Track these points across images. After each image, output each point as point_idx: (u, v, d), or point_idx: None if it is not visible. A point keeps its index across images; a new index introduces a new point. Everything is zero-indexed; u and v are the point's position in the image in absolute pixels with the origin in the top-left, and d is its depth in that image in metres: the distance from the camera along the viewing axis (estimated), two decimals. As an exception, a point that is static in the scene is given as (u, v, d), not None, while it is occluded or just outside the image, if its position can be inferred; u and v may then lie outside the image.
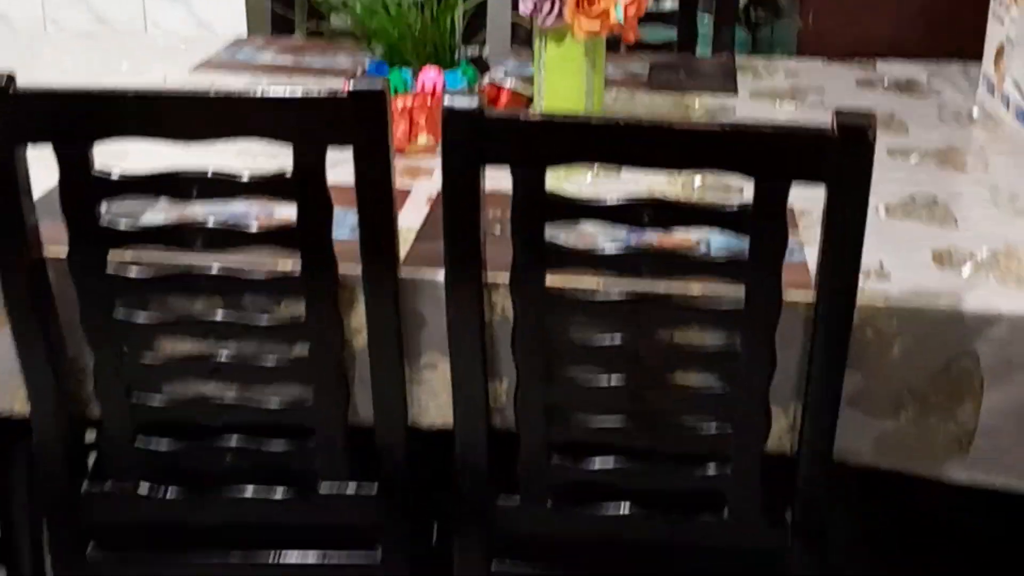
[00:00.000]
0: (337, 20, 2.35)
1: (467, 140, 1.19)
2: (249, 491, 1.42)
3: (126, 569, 1.47)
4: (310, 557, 1.45)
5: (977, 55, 2.02)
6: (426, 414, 1.42)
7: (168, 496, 1.42)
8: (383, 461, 1.41)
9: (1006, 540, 1.72)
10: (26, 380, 1.37)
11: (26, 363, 1.36)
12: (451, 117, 1.19)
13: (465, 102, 1.19)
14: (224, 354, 1.35)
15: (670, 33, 2.32)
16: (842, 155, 1.14)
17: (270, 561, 1.45)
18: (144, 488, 1.41)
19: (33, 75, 1.26)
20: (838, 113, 1.14)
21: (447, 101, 1.19)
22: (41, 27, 2.95)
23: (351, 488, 1.41)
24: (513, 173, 1.20)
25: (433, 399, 1.42)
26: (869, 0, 2.36)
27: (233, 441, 1.40)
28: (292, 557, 1.45)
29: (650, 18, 2.19)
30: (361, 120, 1.21)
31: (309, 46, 2.24)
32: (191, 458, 1.41)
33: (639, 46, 2.23)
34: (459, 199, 1.22)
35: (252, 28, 2.77)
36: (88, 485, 1.42)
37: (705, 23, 2.44)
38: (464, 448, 1.38)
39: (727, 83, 2.06)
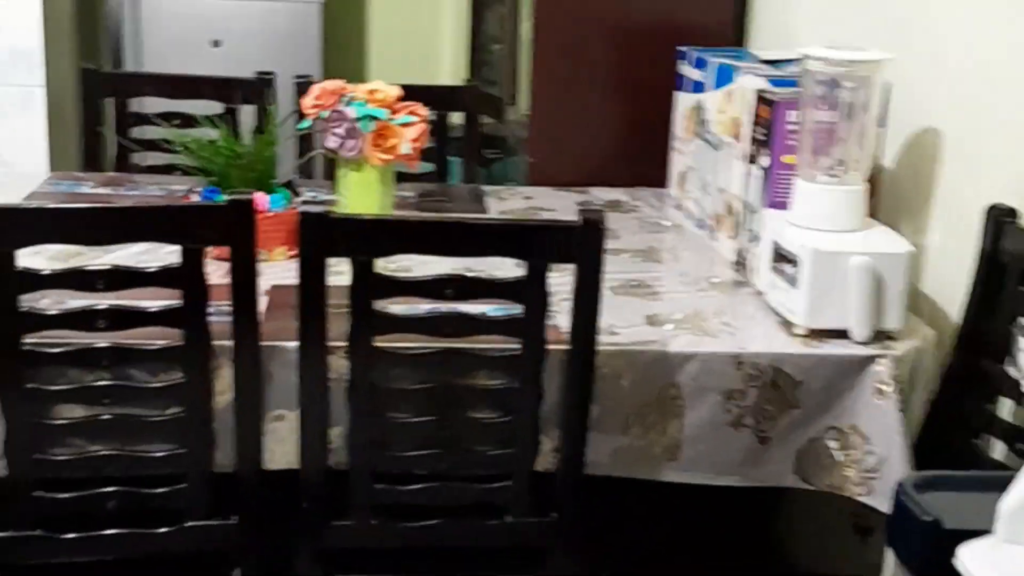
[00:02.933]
0: (138, 158, 2.74)
1: (317, 237, 1.63)
2: (130, 529, 1.74)
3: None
4: (182, 581, 1.79)
5: (662, 182, 2.64)
6: (274, 458, 1.80)
7: (63, 538, 1.72)
8: (242, 498, 1.77)
9: (708, 522, 2.25)
10: (-56, 444, 1.66)
11: (-55, 430, 1.65)
12: (305, 219, 1.62)
13: (316, 209, 1.63)
14: (112, 416, 1.70)
15: (429, 166, 2.83)
16: (585, 238, 1.66)
17: (150, 586, 1.77)
18: (41, 533, 1.71)
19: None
20: (582, 209, 1.66)
21: (302, 208, 1.63)
22: None
23: (216, 521, 1.77)
24: (351, 260, 1.65)
25: (280, 445, 1.80)
26: (581, 140, 2.94)
27: (116, 488, 1.73)
28: (167, 582, 1.78)
29: (411, 154, 2.69)
30: (236, 223, 1.63)
31: (125, 179, 2.59)
32: (81, 505, 1.72)
33: (403, 176, 2.73)
34: (311, 282, 1.65)
35: (54, 167, 3.06)
36: (-9, 533, 1.71)
37: (453, 162, 2.97)
38: (307, 483, 1.77)
39: (479, 205, 2.58)
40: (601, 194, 2.74)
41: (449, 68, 4.40)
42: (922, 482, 1.26)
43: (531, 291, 1.69)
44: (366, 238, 1.66)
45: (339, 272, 1.66)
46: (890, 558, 1.27)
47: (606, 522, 1.97)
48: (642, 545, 2.20)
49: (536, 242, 1.67)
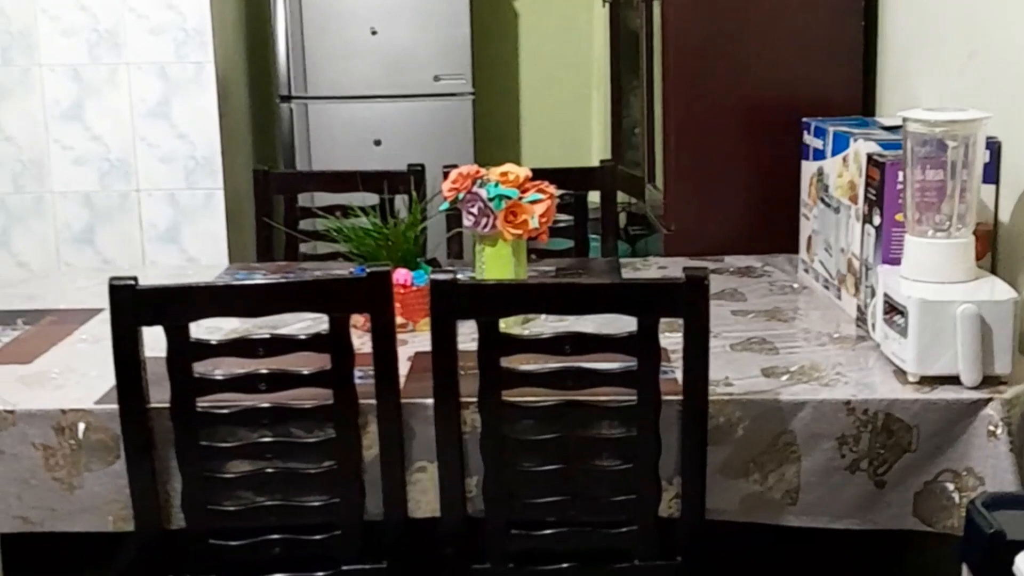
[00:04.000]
0: (306, 247, 3.01)
1: (446, 300, 1.82)
2: (292, 574, 1.94)
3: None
4: (338, 621, 1.97)
5: (795, 248, 2.74)
6: (419, 507, 1.97)
7: (234, 581, 1.93)
8: (390, 544, 1.95)
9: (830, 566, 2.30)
10: (133, 500, 1.90)
11: (135, 487, 1.89)
12: (436, 285, 1.82)
13: (444, 276, 1.82)
14: (275, 469, 1.91)
15: (569, 243, 3.01)
16: (690, 296, 1.79)
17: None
18: (215, 577, 1.93)
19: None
20: (685, 269, 1.80)
21: (432, 276, 1.82)
22: (55, 266, 3.53)
23: (368, 565, 1.95)
24: (478, 322, 1.83)
25: (423, 495, 1.97)
26: (715, 211, 3.07)
27: (280, 536, 1.93)
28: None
29: (553, 233, 2.87)
30: (376, 292, 1.83)
31: (292, 266, 2.87)
32: (250, 552, 1.93)
33: (545, 254, 2.92)
34: (443, 342, 1.84)
35: (232, 259, 3.38)
36: (173, 578, 1.94)
37: (595, 241, 3.14)
38: (448, 530, 1.94)
39: (615, 276, 2.73)
40: (735, 261, 2.86)
41: (597, 153, 4.61)
42: (991, 500, 1.33)
43: (643, 345, 1.83)
44: (489, 301, 1.84)
45: (474, 338, 1.85)
46: (964, 572, 1.34)
47: (732, 566, 2.05)
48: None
49: (644, 299, 1.82)
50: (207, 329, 1.91)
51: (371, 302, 1.84)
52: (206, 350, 1.85)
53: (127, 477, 1.89)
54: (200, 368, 1.87)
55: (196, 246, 3.48)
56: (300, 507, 1.93)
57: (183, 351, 1.84)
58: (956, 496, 1.92)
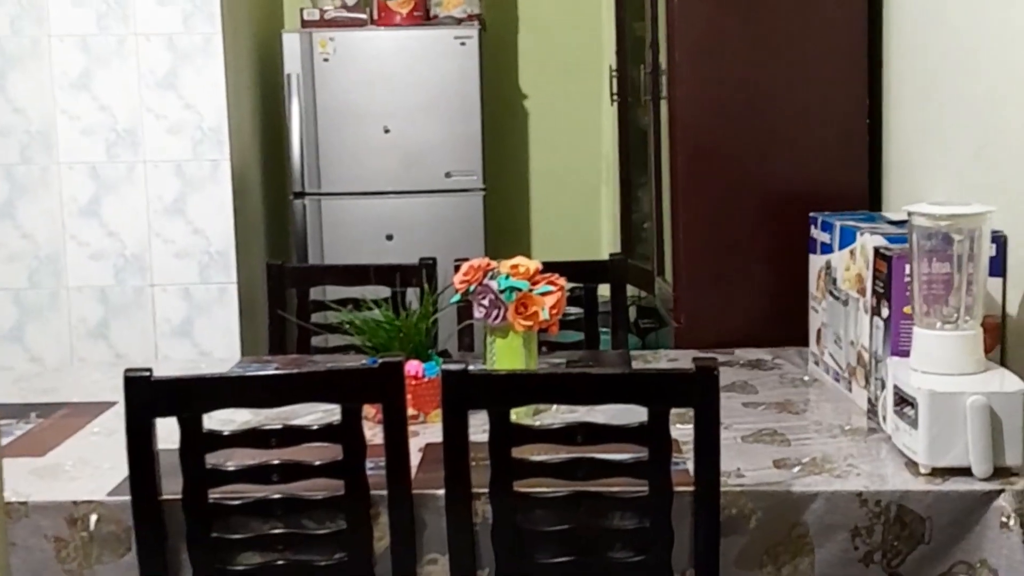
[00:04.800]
0: (319, 340, 3.03)
1: (458, 390, 1.83)
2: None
3: None
4: None
5: (805, 340, 2.75)
6: (431, 601, 1.97)
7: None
8: (402, 640, 1.94)
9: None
10: (144, 594, 1.89)
11: (144, 579, 1.89)
12: (447, 376, 1.83)
13: (456, 366, 1.84)
14: (286, 561, 1.90)
15: (579, 336, 3.03)
16: (700, 385, 1.81)
17: None
18: (224, 671, 1.91)
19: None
20: (695, 359, 1.81)
21: (444, 366, 1.84)
22: (69, 361, 3.56)
23: (378, 661, 1.93)
24: (489, 412, 1.84)
25: (435, 588, 1.97)
26: (725, 304, 3.09)
27: (290, 630, 1.92)
28: None
29: (563, 326, 2.89)
30: (388, 383, 1.85)
31: (305, 359, 2.89)
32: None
33: (556, 347, 2.94)
34: (455, 432, 1.84)
35: (245, 352, 3.41)
36: (181, 671, 1.92)
37: (605, 334, 3.16)
38: (460, 621, 1.93)
39: (625, 368, 2.74)
40: (745, 354, 2.87)
41: (607, 247, 4.65)
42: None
43: (654, 435, 1.84)
44: (500, 390, 1.85)
45: (484, 429, 1.86)
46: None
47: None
48: None
49: (654, 389, 1.83)
50: (220, 421, 1.92)
51: (383, 392, 1.86)
52: (219, 441, 1.86)
53: (138, 569, 1.89)
54: (212, 459, 1.88)
55: (209, 340, 3.52)
56: (310, 602, 1.92)
57: (196, 442, 1.85)
58: (971, 589, 1.90)
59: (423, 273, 2.91)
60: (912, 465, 2.00)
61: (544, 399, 1.84)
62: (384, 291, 2.91)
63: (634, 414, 1.85)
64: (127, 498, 1.88)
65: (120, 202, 3.67)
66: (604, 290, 3.10)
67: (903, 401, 2.03)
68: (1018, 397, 1.93)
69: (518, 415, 1.94)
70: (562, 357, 2.83)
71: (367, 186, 4.21)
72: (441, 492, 1.90)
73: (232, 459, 1.91)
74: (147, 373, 1.84)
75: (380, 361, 1.86)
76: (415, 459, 2.07)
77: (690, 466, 1.92)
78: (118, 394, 1.86)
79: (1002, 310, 2.26)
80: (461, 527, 1.89)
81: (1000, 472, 1.92)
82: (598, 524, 1.90)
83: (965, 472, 1.94)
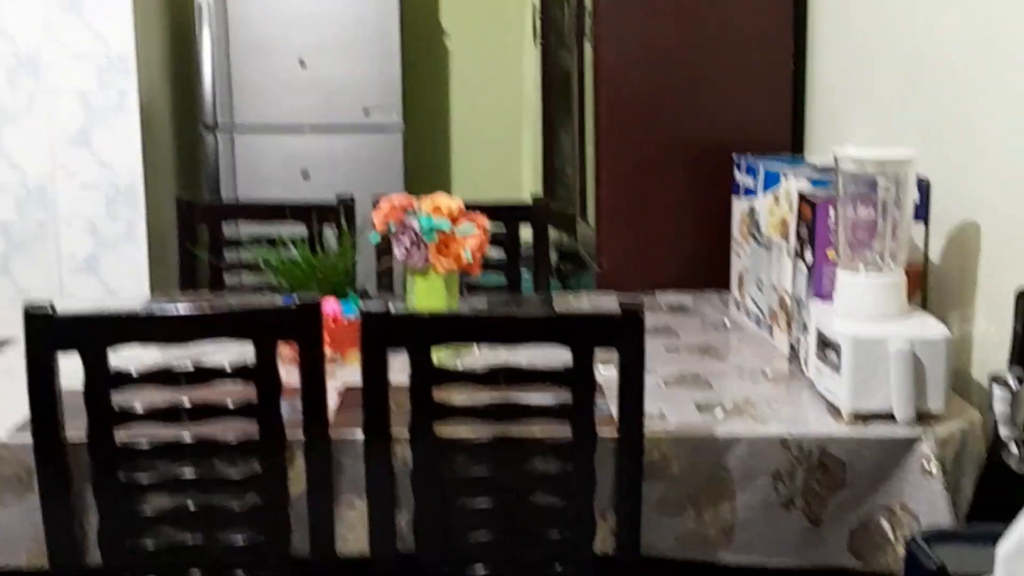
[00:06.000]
0: (232, 278, 2.94)
1: (378, 330, 1.77)
2: (213, 614, 1.87)
3: None
4: (261, 664, 1.89)
5: (727, 284, 2.74)
6: (347, 544, 1.91)
7: (150, 622, 1.85)
8: (316, 583, 1.89)
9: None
10: (47, 536, 1.81)
11: (49, 523, 1.80)
12: (367, 316, 1.77)
13: (376, 307, 1.78)
14: (197, 505, 1.84)
15: (501, 279, 2.98)
16: (626, 328, 1.77)
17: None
18: (131, 618, 1.85)
19: None
20: (620, 301, 1.78)
21: (364, 306, 1.77)
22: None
23: (293, 605, 1.88)
24: (410, 353, 1.78)
25: (352, 532, 1.91)
26: (647, 248, 3.07)
27: (203, 574, 1.86)
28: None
29: (484, 268, 2.84)
30: (304, 322, 1.78)
31: (217, 297, 2.80)
32: (168, 591, 1.86)
33: (476, 289, 2.89)
34: (374, 375, 1.79)
35: (155, 291, 3.30)
36: (87, 619, 1.85)
37: (527, 277, 3.11)
38: (377, 567, 1.88)
39: (548, 310, 2.70)
40: (667, 298, 2.85)
41: (528, 189, 4.60)
42: (931, 536, 1.32)
43: (578, 378, 1.80)
44: (421, 331, 1.80)
45: (404, 371, 1.80)
46: (906, 608, 1.32)
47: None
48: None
49: (579, 331, 1.79)
50: (127, 361, 1.83)
51: (300, 331, 1.79)
52: (125, 380, 1.78)
53: (41, 512, 1.81)
54: (119, 399, 1.79)
55: (117, 278, 3.39)
56: (224, 545, 1.85)
57: (101, 381, 1.77)
58: (891, 534, 1.91)
59: (341, 211, 2.83)
60: (834, 410, 2.00)
61: (467, 340, 1.79)
62: (300, 229, 2.82)
63: (558, 357, 1.82)
64: (28, 439, 1.79)
65: (21, 132, 3.50)
66: (526, 233, 3.05)
67: (826, 346, 2.03)
68: (941, 343, 1.93)
69: (439, 357, 1.88)
70: (484, 299, 2.78)
71: (282, 121, 4.09)
72: (359, 435, 1.84)
73: (140, 400, 1.83)
74: (48, 308, 1.75)
75: (298, 301, 1.78)
76: (332, 402, 2.01)
77: (613, 410, 1.89)
78: (18, 330, 1.76)
79: (924, 256, 2.26)
80: (380, 471, 1.84)
81: (922, 417, 1.93)
82: (520, 469, 1.86)
83: (887, 417, 1.94)
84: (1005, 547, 1.17)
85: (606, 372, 1.87)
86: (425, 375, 1.80)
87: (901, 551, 1.89)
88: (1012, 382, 1.19)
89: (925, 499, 1.87)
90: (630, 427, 1.83)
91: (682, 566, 1.96)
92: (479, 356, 2.16)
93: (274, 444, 1.82)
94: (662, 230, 3.07)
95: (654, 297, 2.86)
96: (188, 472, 1.83)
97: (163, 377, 1.80)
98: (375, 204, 2.35)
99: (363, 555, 1.89)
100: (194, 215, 2.95)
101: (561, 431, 1.83)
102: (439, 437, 1.82)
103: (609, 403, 1.96)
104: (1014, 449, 1.22)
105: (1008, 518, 1.32)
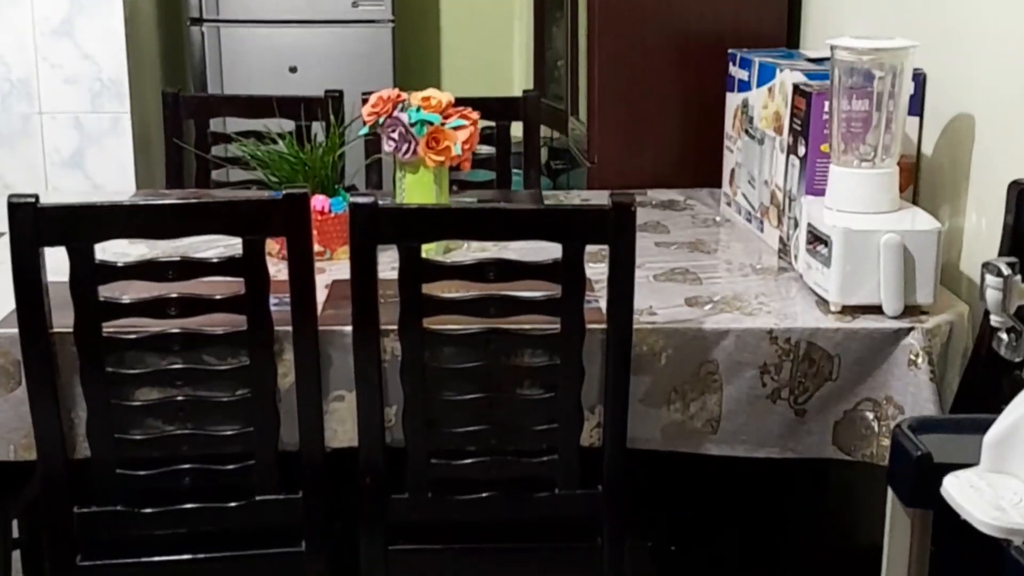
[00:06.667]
0: (219, 174, 2.91)
1: (367, 224, 1.76)
2: (204, 504, 1.88)
3: (107, 573, 1.89)
4: (252, 553, 1.92)
5: (719, 182, 2.72)
6: (336, 437, 1.92)
7: (142, 512, 1.87)
8: (306, 475, 1.90)
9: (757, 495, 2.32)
10: (35, 428, 1.82)
11: (37, 414, 1.81)
12: (355, 209, 1.75)
13: (364, 199, 1.76)
14: (185, 397, 1.84)
15: (490, 175, 2.96)
16: (617, 222, 1.76)
17: (222, 556, 1.91)
18: (122, 508, 1.86)
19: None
20: (611, 194, 1.76)
21: (352, 199, 1.76)
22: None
23: (283, 496, 1.90)
24: (399, 247, 1.77)
25: (341, 425, 1.92)
26: (639, 145, 3.04)
27: (190, 466, 1.87)
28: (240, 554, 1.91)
29: (474, 164, 2.81)
30: (292, 215, 1.76)
31: (204, 193, 2.77)
32: (159, 482, 1.87)
33: (467, 186, 2.86)
34: (363, 268, 1.78)
35: (140, 186, 3.26)
36: (78, 509, 1.86)
37: (517, 174, 3.09)
38: (366, 460, 1.89)
39: (539, 205, 2.69)
40: (658, 195, 2.83)
41: (519, 85, 4.53)
42: (917, 424, 1.33)
43: (568, 273, 1.79)
44: (411, 225, 1.78)
45: (394, 267, 1.79)
46: (890, 495, 1.34)
47: (653, 495, 2.05)
48: (689, 519, 2.28)
49: (569, 225, 1.78)
50: (114, 255, 1.82)
51: (288, 225, 1.77)
52: (112, 272, 1.77)
53: (29, 404, 1.81)
54: (106, 292, 1.78)
55: (102, 173, 3.35)
56: (212, 436, 1.86)
57: (87, 273, 1.75)
58: (875, 425, 1.92)
59: (329, 105, 2.78)
60: (823, 303, 2.00)
61: (456, 235, 1.78)
62: (288, 124, 2.78)
63: (547, 253, 1.80)
64: (15, 330, 1.79)
65: (2, 22, 3.43)
66: (516, 130, 3.01)
67: (816, 239, 2.02)
68: (932, 235, 1.92)
69: (428, 252, 1.87)
70: (473, 196, 2.76)
71: (269, 14, 4.00)
72: (348, 328, 1.84)
73: (128, 293, 1.82)
74: (33, 199, 1.73)
75: (284, 193, 1.76)
76: (321, 296, 2.00)
77: (602, 304, 1.89)
78: (3, 223, 1.74)
79: (917, 150, 2.24)
80: (368, 364, 1.84)
81: (910, 310, 1.93)
82: (508, 361, 1.86)
83: (876, 310, 1.94)
84: (991, 434, 1.18)
85: (596, 267, 1.86)
86: (414, 269, 1.79)
87: (885, 443, 1.91)
88: (1004, 269, 1.19)
89: (911, 391, 1.89)
90: (619, 320, 1.82)
91: (667, 457, 1.97)
92: (468, 252, 2.15)
93: (262, 336, 1.82)
94: (655, 127, 3.03)
95: (645, 194, 2.84)
96: (176, 364, 1.83)
97: (150, 270, 1.78)
98: (364, 99, 2.32)
99: (351, 446, 1.91)
100: (180, 109, 2.91)
101: (550, 324, 1.83)
102: (427, 329, 1.82)
103: (599, 299, 1.96)
104: (1004, 336, 1.22)
105: (993, 410, 1.33)
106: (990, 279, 1.19)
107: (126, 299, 1.79)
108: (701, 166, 2.87)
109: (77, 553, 1.88)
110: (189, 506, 1.88)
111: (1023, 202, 1.82)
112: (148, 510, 1.87)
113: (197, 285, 1.80)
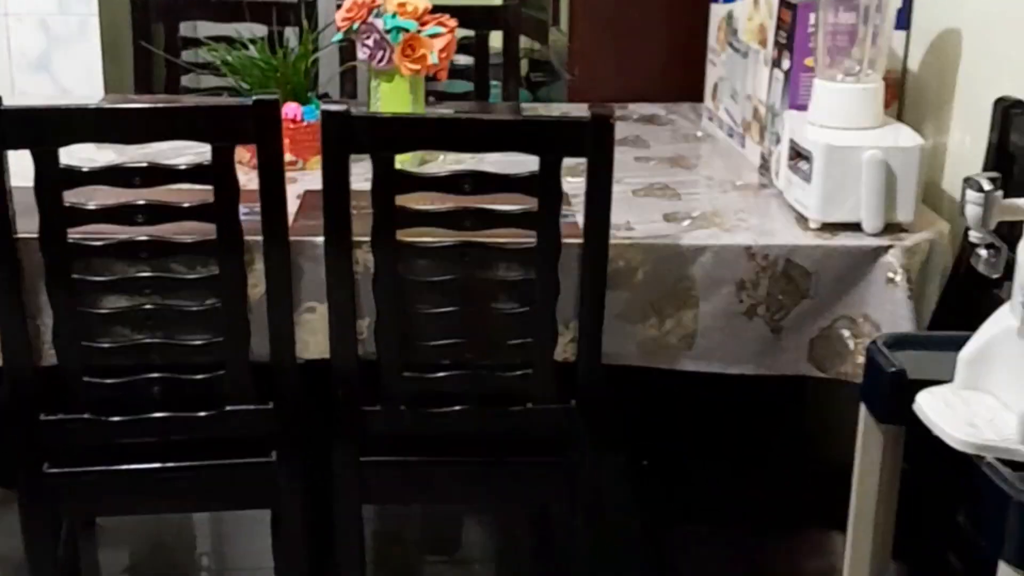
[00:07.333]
0: (189, 80, 2.85)
1: (339, 133, 1.71)
2: (173, 413, 1.86)
3: (74, 481, 1.88)
4: (222, 463, 1.90)
5: (702, 96, 2.67)
6: (307, 348, 1.90)
7: (110, 420, 1.85)
8: (277, 385, 1.88)
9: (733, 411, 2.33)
10: (2, 335, 1.78)
11: (2, 321, 1.78)
12: (327, 117, 1.71)
13: (336, 107, 1.71)
14: (153, 306, 1.81)
15: (468, 86, 2.90)
16: (595, 134, 1.72)
17: (191, 465, 1.89)
18: (90, 416, 1.84)
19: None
20: (590, 106, 1.72)
21: (324, 107, 1.71)
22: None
23: (253, 406, 1.88)
24: (372, 157, 1.73)
25: (312, 336, 1.90)
26: (621, 57, 2.98)
27: (160, 375, 1.84)
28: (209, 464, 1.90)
29: (452, 74, 2.75)
30: (262, 122, 1.72)
31: (174, 99, 2.71)
32: (127, 390, 1.84)
33: (444, 97, 2.81)
34: (335, 178, 1.74)
35: (109, 91, 3.18)
36: (45, 416, 1.84)
37: (496, 85, 3.03)
38: (339, 372, 1.87)
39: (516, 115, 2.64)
40: (639, 109, 2.78)
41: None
42: (892, 341, 1.31)
43: (545, 186, 1.76)
44: (385, 134, 1.74)
45: (367, 178, 1.75)
46: (863, 411, 1.33)
47: (627, 410, 2.04)
48: (664, 435, 2.28)
49: (547, 137, 1.74)
50: (81, 161, 1.77)
51: (258, 132, 1.73)
52: (78, 177, 1.72)
53: (-7, 311, 1.78)
54: (72, 198, 1.74)
55: (70, 77, 3.25)
56: (181, 346, 1.84)
57: (52, 178, 1.71)
58: (851, 343, 1.91)
59: (302, 10, 2.71)
60: (802, 220, 1.97)
61: (431, 145, 1.74)
62: (260, 29, 2.71)
63: (525, 166, 1.77)
64: (-23, 236, 1.75)
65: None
66: (495, 41, 2.95)
67: (798, 155, 1.99)
68: (914, 152, 1.90)
69: (403, 163, 1.83)
70: (450, 107, 2.71)
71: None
72: (320, 239, 1.81)
73: (95, 199, 1.78)
74: (-4, 102, 1.68)
75: (254, 99, 1.71)
76: (293, 206, 1.96)
77: (579, 218, 1.86)
78: (-36, 126, 1.69)
79: (903, 65, 2.21)
80: (341, 275, 1.81)
81: (890, 228, 1.91)
82: (483, 275, 1.84)
83: (855, 228, 1.92)
84: (966, 352, 1.16)
85: (574, 181, 1.82)
86: (388, 180, 1.75)
87: (861, 360, 1.89)
88: (985, 184, 1.17)
89: (888, 309, 1.87)
90: (595, 235, 1.80)
91: (643, 372, 1.96)
92: (443, 164, 2.11)
93: (232, 245, 1.78)
94: (638, 39, 2.97)
95: (627, 108, 2.79)
96: (144, 272, 1.80)
97: (117, 175, 1.74)
98: (339, 4, 2.25)
99: (323, 358, 1.88)
100: (149, 12, 2.83)
101: (526, 238, 1.80)
102: (401, 241, 1.79)
103: (576, 213, 1.93)
104: (983, 253, 1.20)
105: (971, 328, 1.31)
106: (970, 194, 1.17)
107: (92, 205, 1.75)
108: (685, 80, 2.82)
109: (44, 461, 1.86)
110: (158, 415, 1.86)
111: (1008, 119, 1.80)
112: (116, 418, 1.85)
113: (166, 193, 1.76)
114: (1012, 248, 1.29)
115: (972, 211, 1.16)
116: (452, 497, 2.11)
